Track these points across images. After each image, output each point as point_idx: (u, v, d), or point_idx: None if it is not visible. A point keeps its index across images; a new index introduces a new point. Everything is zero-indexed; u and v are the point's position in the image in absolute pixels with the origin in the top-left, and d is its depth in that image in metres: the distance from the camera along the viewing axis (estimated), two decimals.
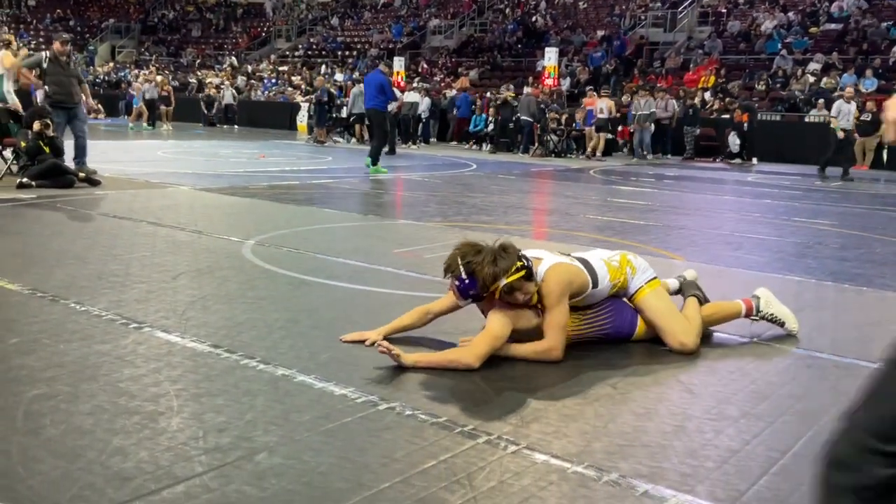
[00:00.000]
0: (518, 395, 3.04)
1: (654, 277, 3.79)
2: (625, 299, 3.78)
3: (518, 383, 3.17)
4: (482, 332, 3.40)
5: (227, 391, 2.94)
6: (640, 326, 3.73)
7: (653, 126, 18.23)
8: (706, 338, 3.85)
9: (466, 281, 3.41)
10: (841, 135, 14.79)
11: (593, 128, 18.43)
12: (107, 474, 2.27)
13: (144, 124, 22.66)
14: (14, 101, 10.28)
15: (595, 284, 3.61)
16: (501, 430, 2.68)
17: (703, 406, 2.99)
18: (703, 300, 3.94)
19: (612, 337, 3.72)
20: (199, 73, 30.94)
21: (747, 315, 3.93)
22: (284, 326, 3.80)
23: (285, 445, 2.50)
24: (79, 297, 4.19)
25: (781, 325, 3.94)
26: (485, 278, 3.34)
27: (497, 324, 3.39)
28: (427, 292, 4.58)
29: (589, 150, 18.29)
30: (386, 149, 14.22)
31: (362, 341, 3.54)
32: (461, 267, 3.39)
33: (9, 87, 10.36)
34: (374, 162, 12.26)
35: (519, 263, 3.35)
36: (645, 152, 18.32)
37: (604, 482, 2.34)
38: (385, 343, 3.27)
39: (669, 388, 3.19)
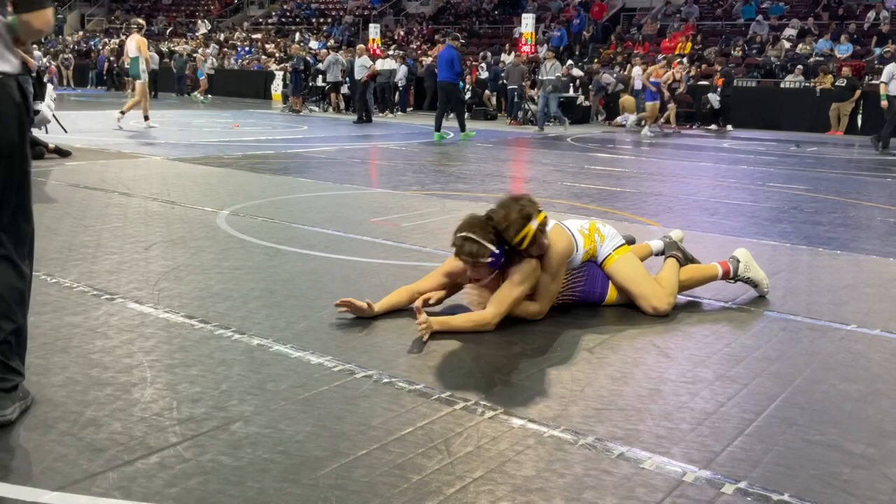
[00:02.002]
0: (496, 362, 3.04)
1: (623, 244, 3.81)
2: (599, 268, 3.79)
3: (496, 350, 3.17)
4: (501, 294, 3.38)
5: (202, 361, 2.91)
6: (610, 293, 3.75)
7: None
8: (682, 302, 3.87)
9: (497, 251, 3.36)
10: (885, 104, 13.27)
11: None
12: (79, 446, 2.25)
13: (201, 97, 22.94)
14: (145, 80, 12.88)
15: (576, 249, 3.67)
16: (479, 396, 2.68)
17: (679, 369, 3.01)
18: (683, 261, 3.94)
19: (582, 301, 3.73)
20: (170, 42, 30.40)
21: (724, 277, 3.95)
22: (260, 296, 3.77)
23: (261, 415, 2.48)
24: (49, 268, 4.12)
25: (755, 286, 3.99)
26: (516, 227, 3.30)
27: (520, 281, 3.38)
28: (404, 260, 4.56)
29: (663, 119, 17.10)
30: (356, 118, 15.35)
31: (358, 311, 3.45)
32: (486, 244, 3.32)
33: (143, 66, 12.76)
34: (462, 129, 13.82)
35: (539, 208, 3.41)
36: (552, 120, 16.75)
37: (580, 445, 2.35)
38: (423, 316, 3.21)
39: (646, 353, 3.20)
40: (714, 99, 17.46)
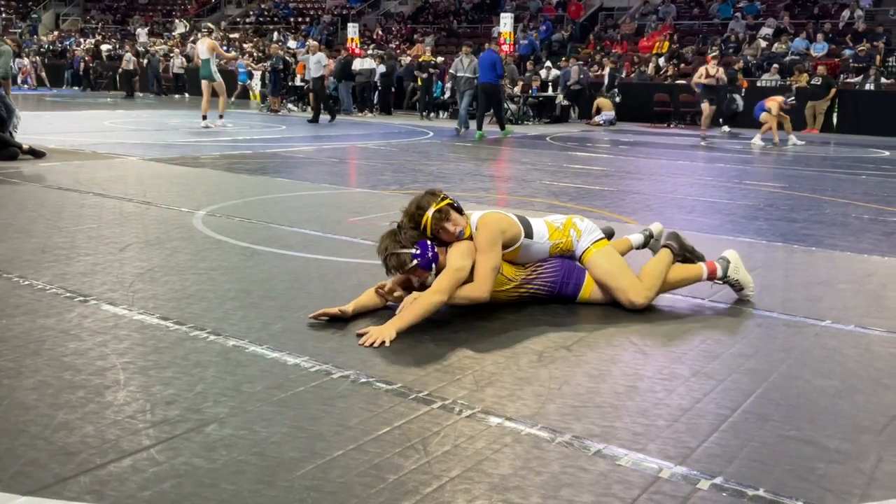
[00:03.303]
0: (473, 360, 3.03)
1: (602, 238, 3.79)
2: (576, 263, 3.80)
3: (474, 348, 3.16)
4: (446, 271, 3.38)
5: (176, 363, 2.88)
6: (585, 289, 3.74)
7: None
8: (658, 300, 3.87)
9: (419, 250, 3.39)
10: None
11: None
12: (51, 449, 2.22)
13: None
14: (220, 80, 14.13)
15: (529, 235, 3.65)
16: (456, 395, 2.68)
17: (655, 366, 3.02)
18: (678, 251, 3.86)
19: (554, 293, 3.72)
20: (147, 41, 30.14)
21: (710, 278, 3.86)
22: (236, 297, 3.74)
23: (236, 416, 2.46)
24: (22, 270, 4.07)
25: (740, 290, 3.92)
26: (415, 217, 3.42)
27: (456, 257, 3.40)
28: None
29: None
30: (311, 117, 15.41)
31: (333, 317, 3.42)
32: (401, 251, 3.39)
33: (214, 68, 14.01)
34: (502, 127, 14.66)
35: (442, 195, 3.50)
36: (461, 128, 14.91)
37: (557, 443, 2.35)
38: (367, 339, 3.16)
39: (623, 350, 3.21)
40: (739, 100, 16.96)
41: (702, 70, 15.57)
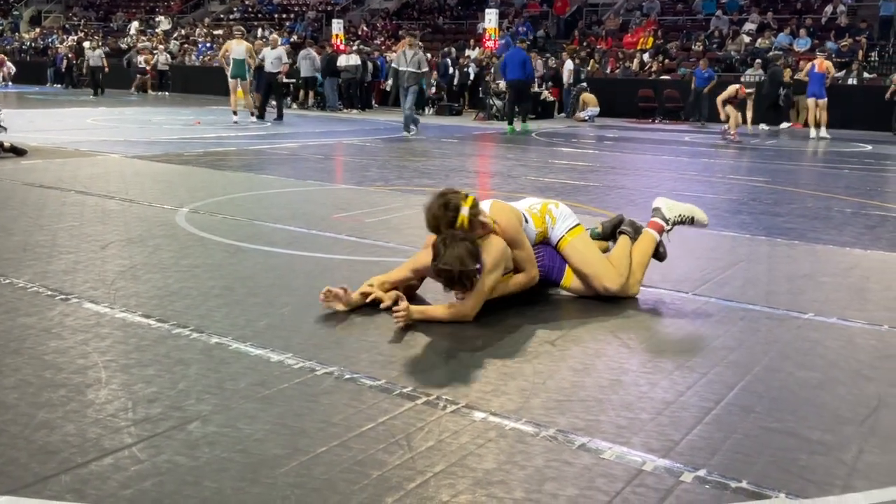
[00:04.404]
0: (458, 356, 3.03)
1: (577, 224, 3.80)
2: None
3: (458, 343, 3.16)
4: (476, 287, 3.35)
5: (159, 361, 2.86)
6: (567, 275, 3.77)
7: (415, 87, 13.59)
8: (642, 293, 3.89)
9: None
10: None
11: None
12: (31, 449, 2.19)
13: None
14: (249, 79, 15.06)
15: (525, 222, 3.70)
16: (441, 391, 2.67)
17: (639, 360, 3.03)
18: (634, 236, 3.89)
19: (541, 278, 3.74)
20: (129, 38, 29.91)
21: (660, 233, 3.93)
22: (220, 294, 3.71)
23: (219, 414, 2.45)
24: (2, 269, 4.03)
25: (691, 221, 3.99)
26: (447, 220, 3.30)
27: (487, 272, 3.36)
28: (368, 256, 4.53)
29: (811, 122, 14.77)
30: (255, 114, 15.40)
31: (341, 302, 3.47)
32: (465, 261, 3.24)
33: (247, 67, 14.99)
34: (524, 120, 15.42)
35: (463, 192, 3.40)
36: (413, 128, 13.34)
37: (541, 437, 2.35)
38: (399, 306, 3.24)
39: (607, 344, 3.22)
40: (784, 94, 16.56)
41: (819, 62, 14.82)
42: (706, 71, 17.60)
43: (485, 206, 3.55)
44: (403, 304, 3.26)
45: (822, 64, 14.92)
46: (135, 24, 31.69)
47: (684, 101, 18.57)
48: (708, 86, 17.42)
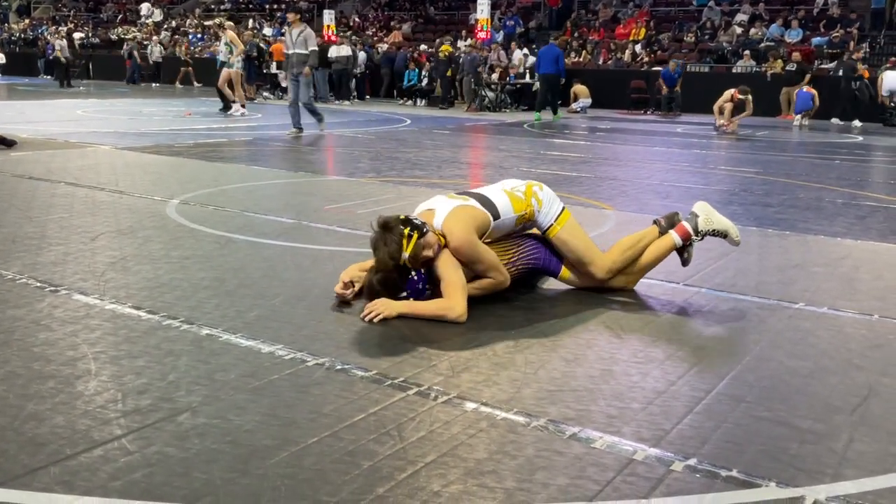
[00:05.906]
0: (449, 346, 3.03)
1: (563, 209, 3.72)
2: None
3: (449, 334, 3.15)
4: (445, 287, 3.32)
5: (149, 352, 2.84)
6: (565, 270, 3.75)
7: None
8: (637, 284, 3.88)
9: (408, 291, 3.36)
10: None
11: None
12: (20, 440, 2.18)
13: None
14: (238, 69, 14.82)
15: (496, 217, 3.55)
16: (432, 381, 2.67)
17: (630, 350, 3.03)
18: (664, 229, 3.81)
19: (541, 268, 3.73)
20: (120, 29, 29.72)
21: (685, 241, 3.79)
22: (210, 286, 3.70)
23: (209, 405, 2.44)
24: None
25: (724, 236, 3.82)
26: (390, 258, 3.25)
27: (451, 272, 3.34)
28: (359, 247, 4.51)
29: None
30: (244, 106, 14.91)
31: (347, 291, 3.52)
32: (390, 280, 3.32)
33: (236, 57, 14.80)
34: (555, 111, 16.42)
35: (406, 230, 3.24)
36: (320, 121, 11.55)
37: (532, 427, 2.35)
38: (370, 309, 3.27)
39: (598, 334, 3.22)
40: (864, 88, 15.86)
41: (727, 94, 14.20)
42: (675, 71, 17.66)
43: (443, 211, 3.43)
44: (378, 301, 3.28)
45: None
46: (156, 12, 31.46)
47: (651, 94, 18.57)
48: (677, 83, 17.69)
